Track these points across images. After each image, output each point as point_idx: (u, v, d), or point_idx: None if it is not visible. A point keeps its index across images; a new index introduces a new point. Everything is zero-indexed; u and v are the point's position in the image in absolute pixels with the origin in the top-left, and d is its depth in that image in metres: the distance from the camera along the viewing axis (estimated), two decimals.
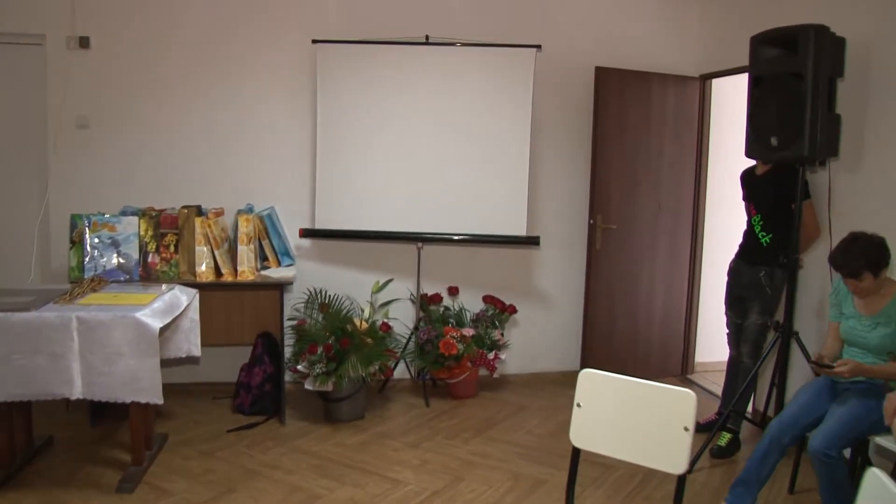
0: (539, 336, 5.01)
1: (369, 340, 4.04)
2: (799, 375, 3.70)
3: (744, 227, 3.95)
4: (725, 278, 4.00)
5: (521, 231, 4.48)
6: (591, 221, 4.77)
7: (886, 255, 2.81)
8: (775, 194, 3.69)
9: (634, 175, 4.80)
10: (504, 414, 4.32)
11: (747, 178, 3.95)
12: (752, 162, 3.91)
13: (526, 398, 4.60)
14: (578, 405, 2.14)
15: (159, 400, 3.06)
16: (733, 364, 4.01)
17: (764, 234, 3.75)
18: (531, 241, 4.52)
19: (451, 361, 4.39)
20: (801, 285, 3.70)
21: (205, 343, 3.71)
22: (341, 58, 4.35)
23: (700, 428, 4.07)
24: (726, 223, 5.08)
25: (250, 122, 4.50)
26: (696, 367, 5.16)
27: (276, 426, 3.99)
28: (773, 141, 3.38)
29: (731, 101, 4.98)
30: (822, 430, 2.74)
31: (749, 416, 3.94)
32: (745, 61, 4.49)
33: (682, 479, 1.97)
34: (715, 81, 4.89)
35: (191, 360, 3.90)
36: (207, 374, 4.54)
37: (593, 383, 2.14)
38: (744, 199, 3.99)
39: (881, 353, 2.84)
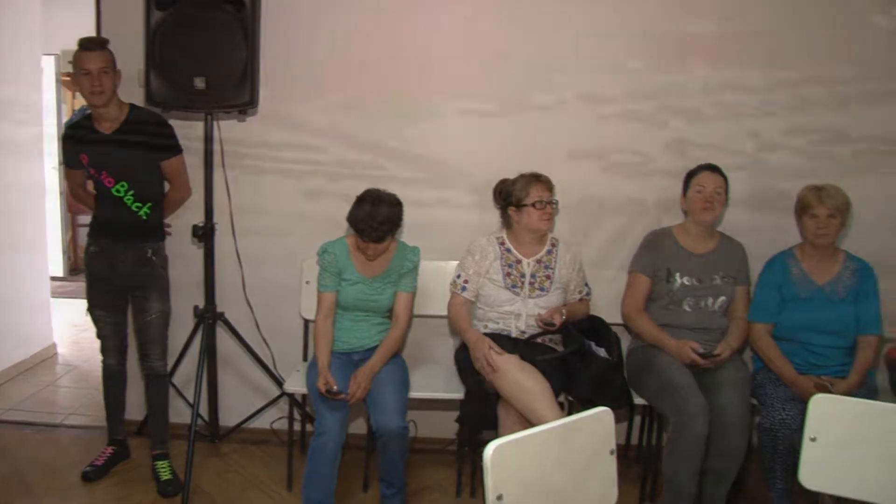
0: None
1: None
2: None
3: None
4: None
5: None
6: None
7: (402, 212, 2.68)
8: (144, 154, 2.86)
9: None
10: None
11: (79, 136, 2.86)
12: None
13: None
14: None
15: None
16: (116, 375, 3.05)
17: (139, 205, 2.87)
18: None
19: None
20: (179, 252, 3.17)
21: None
22: None
23: (96, 472, 2.95)
24: None
25: None
26: None
27: None
28: (200, 83, 2.76)
29: None
30: (387, 409, 2.55)
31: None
32: None
33: None
34: None
35: None
36: None
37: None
38: (72, 165, 2.94)
39: (384, 311, 2.81)
